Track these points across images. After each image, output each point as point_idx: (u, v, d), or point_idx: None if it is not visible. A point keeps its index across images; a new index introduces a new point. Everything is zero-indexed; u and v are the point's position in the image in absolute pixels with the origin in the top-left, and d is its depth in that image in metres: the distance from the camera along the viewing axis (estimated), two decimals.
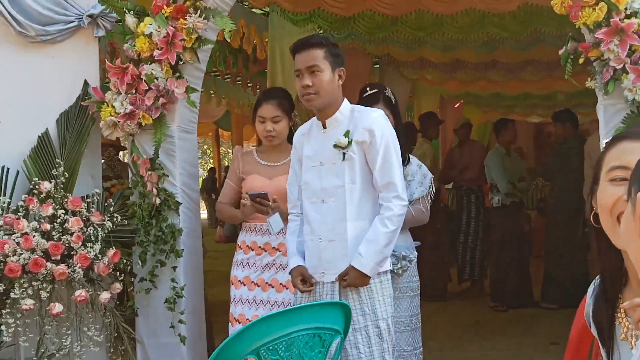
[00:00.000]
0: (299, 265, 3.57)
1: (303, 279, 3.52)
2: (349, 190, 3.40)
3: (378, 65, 10.55)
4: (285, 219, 3.85)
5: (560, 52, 3.98)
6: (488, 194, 8.30)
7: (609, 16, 3.78)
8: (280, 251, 3.99)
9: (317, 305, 2.94)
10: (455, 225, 8.92)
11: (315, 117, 3.61)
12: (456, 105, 13.49)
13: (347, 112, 3.50)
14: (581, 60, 3.89)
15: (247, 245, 4.10)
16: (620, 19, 3.77)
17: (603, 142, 4.00)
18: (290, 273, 3.63)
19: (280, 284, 3.98)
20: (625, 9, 3.78)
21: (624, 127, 3.77)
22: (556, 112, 8.52)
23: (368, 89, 4.29)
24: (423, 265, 8.13)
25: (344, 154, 3.40)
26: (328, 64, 3.42)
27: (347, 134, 3.41)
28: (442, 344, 6.40)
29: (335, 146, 3.41)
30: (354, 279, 3.35)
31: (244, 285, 4.05)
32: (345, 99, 3.54)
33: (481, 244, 8.57)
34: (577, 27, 3.89)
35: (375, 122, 3.43)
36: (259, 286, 4.00)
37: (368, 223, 3.42)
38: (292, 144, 3.98)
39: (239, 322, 4.04)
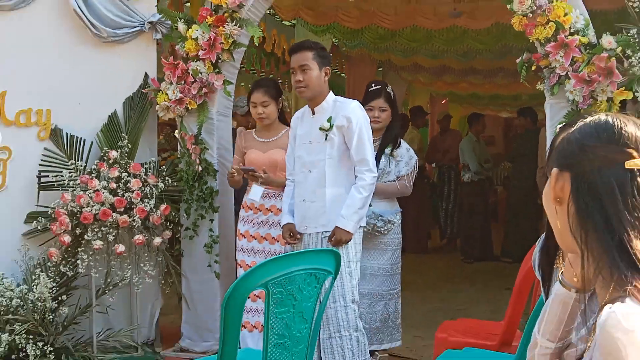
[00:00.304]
0: (288, 223, 3.60)
1: (291, 234, 3.57)
2: (329, 164, 3.40)
3: (381, 69, 10.48)
4: (277, 185, 3.85)
5: (518, 60, 3.94)
6: (460, 172, 8.30)
7: (557, 33, 3.74)
8: (272, 212, 3.95)
9: (314, 251, 2.95)
10: (437, 196, 8.91)
11: (307, 105, 3.60)
12: (442, 102, 13.40)
13: (331, 102, 3.48)
14: (533, 68, 3.86)
15: (247, 205, 4.06)
16: (565, 36, 3.73)
17: (548, 132, 3.98)
18: (282, 228, 3.65)
19: (273, 237, 3.95)
20: (570, 27, 3.74)
21: (565, 121, 3.73)
22: (520, 109, 8.49)
23: (373, 84, 4.25)
24: (411, 226, 8.19)
25: (326, 135, 3.40)
26: (316, 64, 3.41)
27: (329, 120, 3.41)
28: (421, 287, 6.43)
29: (320, 129, 3.41)
30: (340, 235, 3.36)
31: (245, 237, 4.02)
32: (331, 92, 3.53)
33: (457, 211, 8.54)
34: (531, 41, 3.85)
35: (353, 111, 3.42)
36: (255, 239, 3.98)
37: (343, 189, 3.41)
38: (282, 123, 4.02)
39: (241, 267, 4.04)
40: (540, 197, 1.38)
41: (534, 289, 3.21)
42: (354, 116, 3.38)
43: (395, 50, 8.96)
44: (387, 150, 4.04)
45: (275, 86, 4.14)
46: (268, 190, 3.94)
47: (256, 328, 3.84)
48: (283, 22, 8.16)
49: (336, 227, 3.38)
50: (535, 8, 3.75)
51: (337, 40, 8.30)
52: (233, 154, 4.42)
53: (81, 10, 4.35)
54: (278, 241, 3.91)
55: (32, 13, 4.38)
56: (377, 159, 3.96)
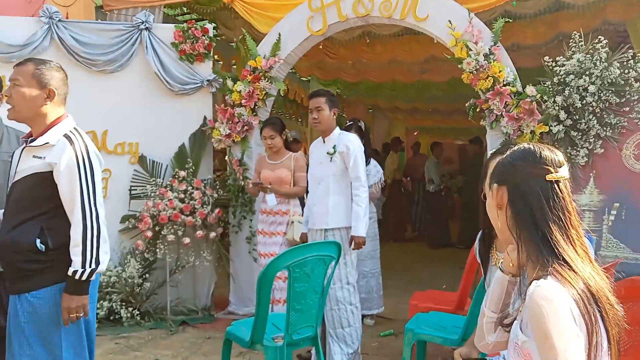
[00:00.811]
0: (303, 232, 3.53)
1: (303, 240, 3.47)
2: (332, 179, 3.32)
3: (371, 110, 10.47)
4: (282, 194, 3.75)
5: (467, 104, 3.91)
6: (426, 184, 8.25)
7: (494, 84, 3.71)
8: (278, 214, 3.81)
9: (322, 243, 2.91)
10: (411, 201, 8.82)
11: (320, 136, 3.49)
12: (415, 134, 13.34)
13: (337, 134, 3.39)
14: (478, 109, 3.81)
15: (263, 210, 3.90)
16: (500, 86, 3.70)
17: (488, 154, 3.94)
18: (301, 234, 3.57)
19: (273, 232, 3.83)
20: (503, 80, 3.71)
21: (499, 147, 3.71)
22: (471, 138, 8.39)
23: (348, 121, 4.26)
24: (392, 222, 8.15)
25: (331, 157, 3.33)
26: (327, 106, 3.33)
27: (334, 147, 3.34)
28: (400, 266, 6.35)
29: (327, 153, 3.35)
30: (357, 240, 3.24)
31: (261, 234, 3.88)
32: (337, 127, 3.44)
33: (424, 211, 8.46)
34: (476, 90, 3.83)
35: (350, 141, 3.33)
36: (267, 235, 3.84)
37: (342, 197, 3.29)
38: (287, 149, 3.88)
39: (260, 255, 3.86)
40: (481, 201, 1.38)
41: (478, 268, 3.19)
42: (351, 145, 3.32)
43: (380, 96, 8.96)
44: None
45: (280, 123, 3.91)
46: (278, 198, 3.84)
47: (280, 302, 3.76)
48: (301, 77, 8.21)
49: (351, 236, 3.25)
50: (479, 67, 3.74)
51: (339, 90, 8.32)
52: None
53: (160, 72, 4.38)
54: (278, 234, 3.80)
55: (125, 75, 4.41)
56: None
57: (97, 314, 3.98)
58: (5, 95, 2.05)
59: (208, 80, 4.44)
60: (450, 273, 5.67)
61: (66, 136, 2.01)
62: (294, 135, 6.07)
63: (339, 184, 3.32)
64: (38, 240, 1.96)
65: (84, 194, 1.96)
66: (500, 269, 1.35)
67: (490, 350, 1.37)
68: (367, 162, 4.06)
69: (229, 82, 4.40)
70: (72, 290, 1.99)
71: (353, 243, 3.24)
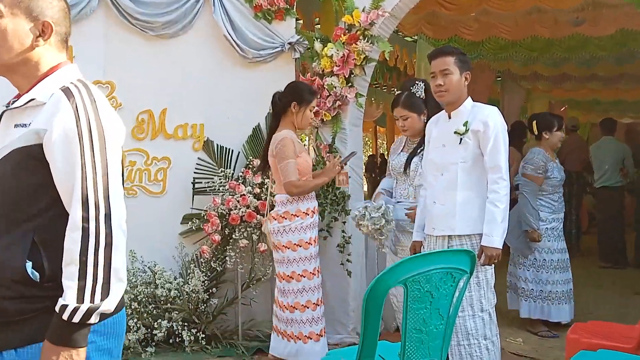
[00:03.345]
0: (416, 240, 3.53)
1: (414, 251, 3.47)
2: (461, 167, 3.23)
3: (499, 78, 10.23)
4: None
5: None
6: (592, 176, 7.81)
7: None
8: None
9: (451, 251, 2.86)
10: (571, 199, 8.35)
11: (443, 110, 3.44)
12: (562, 109, 12.83)
13: (469, 106, 3.31)
14: None
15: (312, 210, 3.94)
16: None
17: None
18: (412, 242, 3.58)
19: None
20: None
21: None
22: None
23: (398, 90, 4.08)
24: None
25: (461, 139, 3.24)
26: (457, 68, 3.24)
27: (466, 124, 3.24)
28: None
29: (455, 132, 3.26)
30: (489, 253, 3.14)
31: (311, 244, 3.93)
32: (469, 97, 3.37)
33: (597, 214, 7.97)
34: None
35: (490, 116, 3.22)
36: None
37: (473, 193, 3.23)
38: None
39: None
40: None
41: None
42: (491, 121, 3.20)
43: (514, 59, 8.73)
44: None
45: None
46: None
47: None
48: (405, 37, 8.20)
49: (482, 246, 3.17)
50: None
51: None
52: (361, 162, 4.38)
53: (230, 35, 4.57)
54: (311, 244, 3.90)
55: (188, 39, 4.66)
56: (409, 161, 3.82)
57: (155, 334, 4.29)
58: None
59: (290, 44, 4.57)
60: (622, 300, 5.46)
61: (64, 89, 1.63)
62: None
63: (468, 175, 3.25)
64: (29, 264, 1.57)
65: (87, 180, 1.56)
66: None
67: None
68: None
69: (317, 45, 4.51)
70: (56, 338, 1.52)
71: (483, 256, 3.17)
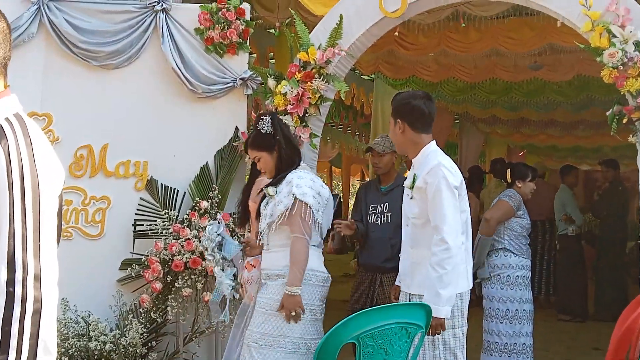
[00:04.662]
0: (396, 285, 3.47)
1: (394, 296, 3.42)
2: (413, 223, 3.16)
3: (458, 121, 10.42)
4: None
5: (608, 113, 3.84)
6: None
7: None
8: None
9: (405, 305, 2.87)
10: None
11: None
12: (520, 154, 13.15)
13: (425, 155, 3.22)
14: (625, 120, 3.74)
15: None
16: None
17: None
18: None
19: None
20: None
21: None
22: (603, 161, 8.04)
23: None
24: None
25: (410, 193, 3.18)
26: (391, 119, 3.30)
27: (414, 178, 3.16)
28: None
29: (404, 185, 3.27)
30: (433, 323, 2.89)
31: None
32: (432, 142, 3.26)
33: (555, 266, 8.09)
34: (622, 93, 3.74)
35: (431, 172, 3.09)
36: None
37: (427, 251, 3.05)
38: None
39: None
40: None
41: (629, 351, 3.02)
42: (431, 177, 3.07)
43: (473, 102, 8.92)
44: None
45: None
46: None
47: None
48: (362, 76, 8.28)
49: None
50: (626, 60, 3.66)
51: None
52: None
53: (179, 68, 4.48)
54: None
55: (134, 71, 4.56)
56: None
57: None
58: None
59: (242, 79, 4.52)
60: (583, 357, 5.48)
61: None
62: None
63: (422, 233, 3.12)
64: None
65: (15, 236, 1.45)
66: None
67: None
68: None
69: (271, 82, 4.48)
70: None
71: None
